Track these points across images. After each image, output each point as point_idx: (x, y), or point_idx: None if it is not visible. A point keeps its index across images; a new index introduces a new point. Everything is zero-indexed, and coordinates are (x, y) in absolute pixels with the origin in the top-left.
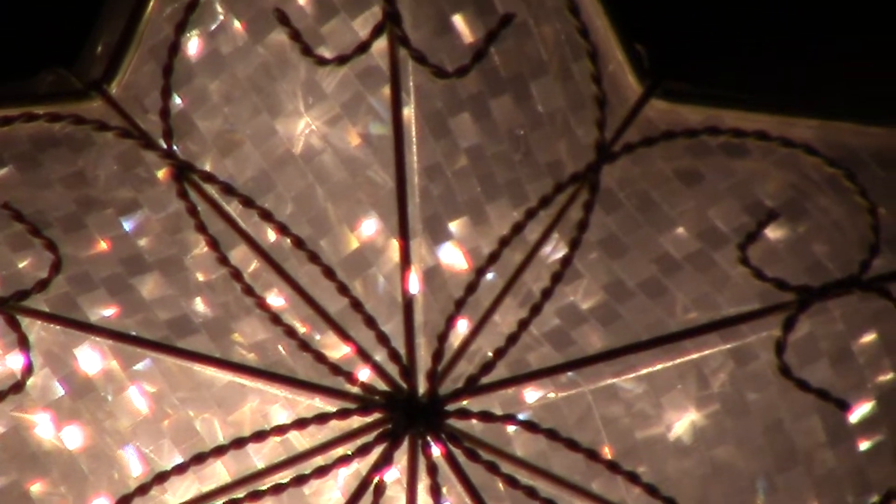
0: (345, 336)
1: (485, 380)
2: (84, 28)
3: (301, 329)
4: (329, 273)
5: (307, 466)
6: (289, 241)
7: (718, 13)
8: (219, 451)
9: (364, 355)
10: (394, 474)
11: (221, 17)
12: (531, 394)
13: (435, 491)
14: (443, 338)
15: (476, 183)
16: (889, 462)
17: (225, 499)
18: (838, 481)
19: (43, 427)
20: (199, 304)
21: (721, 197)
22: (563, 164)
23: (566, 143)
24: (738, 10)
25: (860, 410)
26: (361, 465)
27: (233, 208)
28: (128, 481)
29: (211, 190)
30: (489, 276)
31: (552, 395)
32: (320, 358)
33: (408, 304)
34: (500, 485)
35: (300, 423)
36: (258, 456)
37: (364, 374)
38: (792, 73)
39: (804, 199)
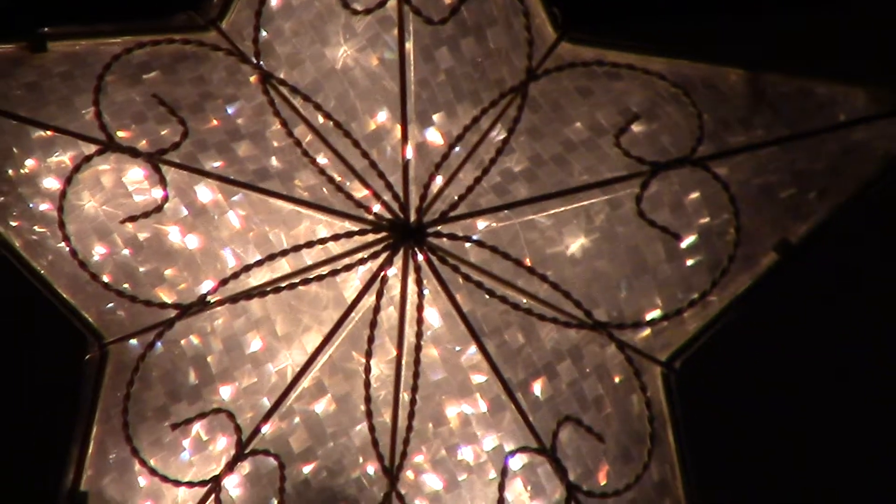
0: (365, 184)
1: (453, 214)
2: None
3: (338, 178)
4: (356, 144)
5: (339, 264)
6: (332, 123)
7: None
8: (283, 253)
9: (376, 196)
10: (393, 272)
11: None
12: (481, 224)
13: (419, 283)
14: (426, 186)
15: (450, 91)
16: (705, 274)
17: (287, 283)
18: (672, 285)
19: (173, 235)
20: (274, 161)
21: (604, 104)
22: (505, 81)
23: (508, 69)
24: None
25: (687, 241)
26: (374, 265)
27: (297, 102)
28: (226, 270)
29: (283, 90)
30: (457, 149)
31: (494, 224)
32: (349, 197)
33: (405, 165)
34: (461, 279)
35: (334, 237)
36: (308, 256)
37: (376, 208)
38: (651, 27)
39: (657, 107)
